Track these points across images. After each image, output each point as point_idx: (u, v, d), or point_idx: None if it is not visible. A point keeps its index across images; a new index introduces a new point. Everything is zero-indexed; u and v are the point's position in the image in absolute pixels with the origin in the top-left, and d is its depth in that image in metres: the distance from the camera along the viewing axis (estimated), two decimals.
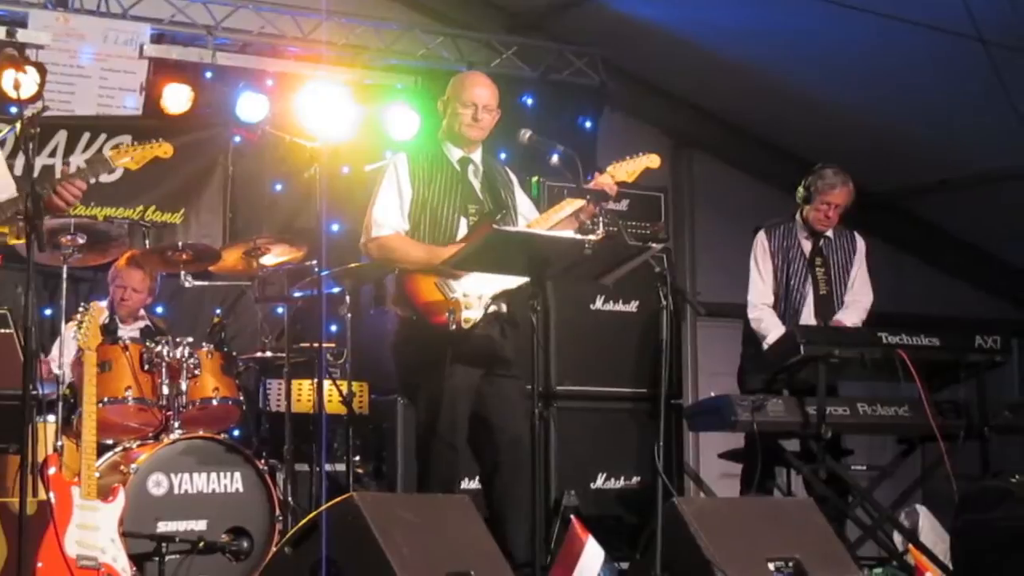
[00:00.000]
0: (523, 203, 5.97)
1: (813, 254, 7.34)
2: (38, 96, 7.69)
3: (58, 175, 7.73)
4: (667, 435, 5.55)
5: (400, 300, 5.68)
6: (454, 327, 5.44)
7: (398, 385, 6.04)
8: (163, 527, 6.04)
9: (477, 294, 5.52)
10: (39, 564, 5.16)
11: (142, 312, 7.25)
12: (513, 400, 5.62)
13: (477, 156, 5.86)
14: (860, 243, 7.49)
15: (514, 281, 5.51)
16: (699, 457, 9.55)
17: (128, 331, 7.02)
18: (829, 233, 7.39)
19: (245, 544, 6.20)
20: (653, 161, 5.97)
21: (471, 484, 6.56)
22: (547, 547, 6.00)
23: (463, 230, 5.66)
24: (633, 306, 7.78)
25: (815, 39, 9.09)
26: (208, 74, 8.60)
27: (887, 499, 7.43)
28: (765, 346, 7.14)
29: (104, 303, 6.93)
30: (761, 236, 7.42)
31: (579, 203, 5.64)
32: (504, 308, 5.62)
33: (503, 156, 6.61)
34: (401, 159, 5.76)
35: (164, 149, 5.81)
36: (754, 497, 6.74)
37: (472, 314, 5.49)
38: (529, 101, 9.52)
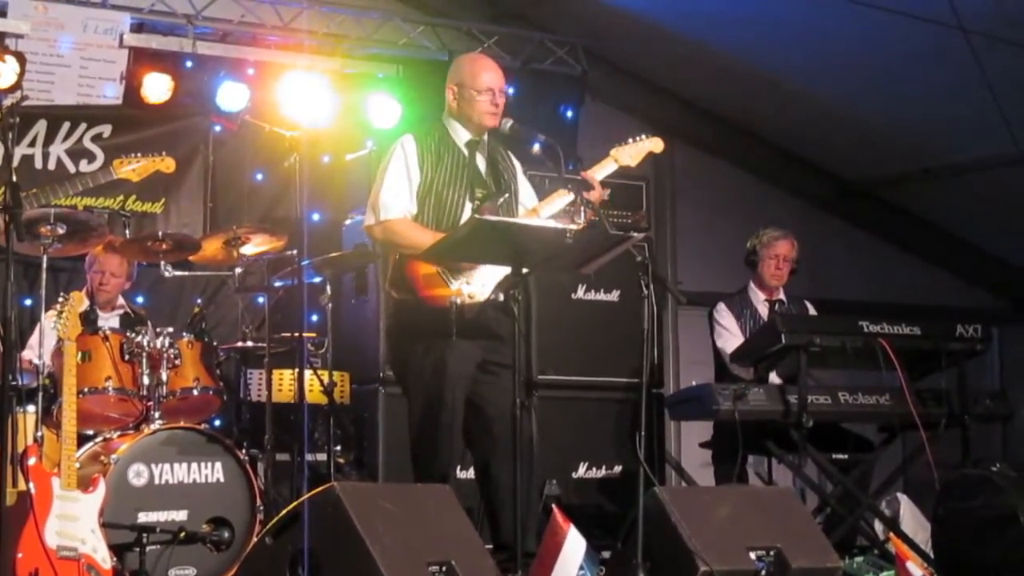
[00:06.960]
0: (524, 190, 5.86)
1: (770, 317, 7.46)
2: (17, 85, 7.64)
3: (38, 165, 7.86)
4: (648, 424, 5.51)
5: (399, 284, 5.55)
6: (454, 314, 5.34)
7: (393, 369, 5.93)
8: (144, 517, 6.01)
9: (481, 282, 5.44)
10: (19, 555, 5.14)
11: (120, 300, 7.23)
12: (509, 390, 5.36)
13: (484, 138, 5.75)
14: (811, 309, 7.74)
15: None
16: (680, 446, 9.55)
17: (107, 319, 6.99)
18: (783, 297, 7.63)
19: (226, 534, 6.18)
20: (656, 145, 5.90)
21: (462, 474, 6.53)
22: (536, 536, 5.97)
23: (467, 214, 5.54)
24: (614, 295, 7.79)
25: (797, 28, 9.08)
26: (188, 63, 8.56)
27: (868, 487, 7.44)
28: None
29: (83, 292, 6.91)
30: (721, 305, 7.61)
31: (570, 197, 5.52)
32: (500, 296, 5.43)
33: None
34: (408, 141, 5.65)
35: (167, 164, 5.77)
36: (735, 486, 6.75)
37: (474, 304, 5.40)
38: (510, 90, 9.41)
